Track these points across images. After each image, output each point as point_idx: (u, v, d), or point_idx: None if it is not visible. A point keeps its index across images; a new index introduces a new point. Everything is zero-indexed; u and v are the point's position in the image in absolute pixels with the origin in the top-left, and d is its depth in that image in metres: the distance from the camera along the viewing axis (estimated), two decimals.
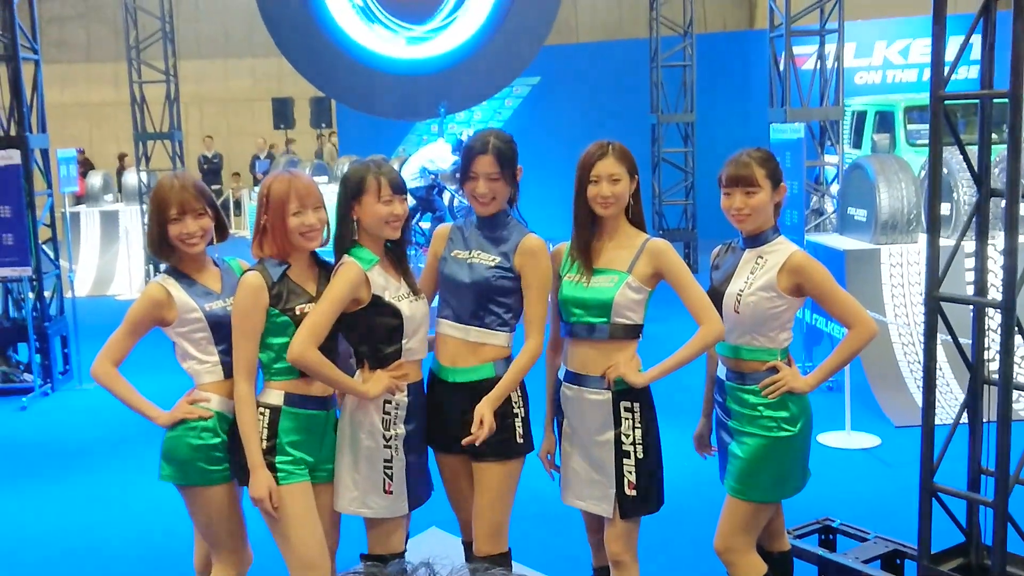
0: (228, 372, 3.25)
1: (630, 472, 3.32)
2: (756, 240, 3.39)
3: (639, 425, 3.32)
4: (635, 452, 3.32)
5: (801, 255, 3.33)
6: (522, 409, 3.36)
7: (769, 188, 3.34)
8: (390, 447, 3.26)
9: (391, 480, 3.27)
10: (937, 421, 3.81)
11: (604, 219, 3.32)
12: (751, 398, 3.35)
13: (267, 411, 3.18)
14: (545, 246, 3.39)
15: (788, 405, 3.32)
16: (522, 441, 3.34)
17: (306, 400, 3.21)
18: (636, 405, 3.32)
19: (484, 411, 3.23)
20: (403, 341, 3.27)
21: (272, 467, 3.15)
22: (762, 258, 3.35)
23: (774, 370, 3.33)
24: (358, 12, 11.29)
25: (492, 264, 3.33)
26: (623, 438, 3.32)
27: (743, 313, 3.32)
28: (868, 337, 3.31)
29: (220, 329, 3.24)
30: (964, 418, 3.78)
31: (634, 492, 3.33)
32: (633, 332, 3.33)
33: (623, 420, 3.31)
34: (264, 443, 3.15)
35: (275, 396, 3.19)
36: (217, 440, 3.24)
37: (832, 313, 3.35)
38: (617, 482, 3.33)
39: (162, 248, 3.29)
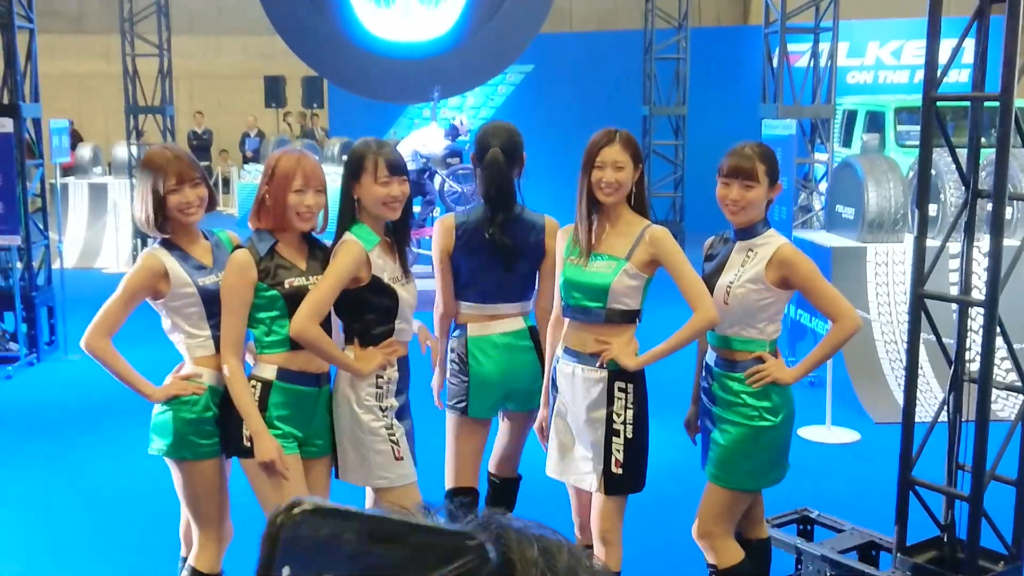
0: (219, 347, 3.27)
1: (618, 451, 3.39)
2: (747, 233, 3.44)
3: (631, 406, 3.40)
4: (624, 432, 3.40)
5: (788, 248, 3.39)
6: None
7: (766, 184, 3.39)
8: (388, 417, 3.32)
9: (398, 446, 3.35)
10: (916, 419, 3.89)
11: (606, 205, 3.39)
12: (735, 385, 3.41)
13: (259, 384, 3.22)
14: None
15: (771, 395, 3.38)
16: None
17: (298, 376, 3.25)
18: (630, 386, 3.40)
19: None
20: (395, 322, 3.32)
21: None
22: (752, 251, 3.41)
23: (760, 360, 3.40)
24: None
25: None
26: (615, 417, 3.40)
27: (732, 304, 3.38)
28: (852, 330, 3.37)
29: (213, 304, 3.25)
30: (943, 416, 3.86)
31: (620, 470, 3.40)
32: (629, 317, 3.41)
33: (616, 400, 3.40)
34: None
35: (268, 370, 3.23)
36: (209, 414, 3.26)
37: (817, 306, 3.42)
38: (605, 459, 3.41)
39: (158, 219, 3.27)
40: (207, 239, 3.41)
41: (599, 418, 3.42)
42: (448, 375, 3.87)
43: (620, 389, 3.39)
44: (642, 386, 3.46)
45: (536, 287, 3.84)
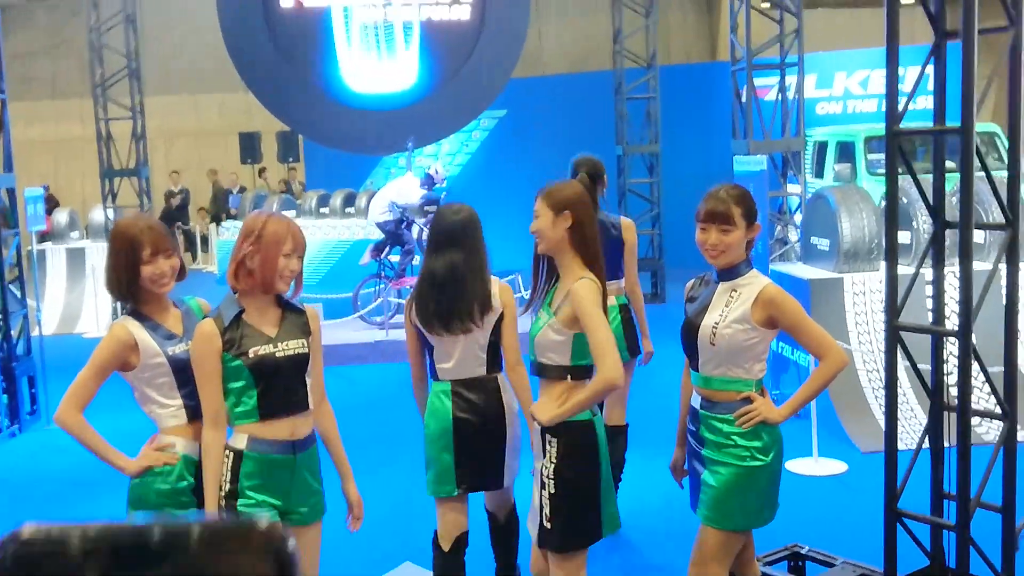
0: (191, 415, 3.26)
1: (545, 504, 3.41)
2: (729, 274, 3.46)
3: (554, 460, 3.38)
4: (548, 486, 3.39)
5: (773, 288, 3.42)
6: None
7: (744, 226, 3.41)
8: None
9: None
10: (902, 446, 3.91)
11: (552, 257, 3.47)
12: (724, 427, 3.41)
13: (231, 454, 3.19)
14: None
15: (761, 435, 3.39)
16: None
17: (268, 444, 3.22)
18: (555, 440, 3.38)
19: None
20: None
21: (234, 511, 3.15)
22: (736, 291, 3.43)
23: (748, 400, 3.41)
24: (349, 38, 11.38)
25: None
26: (542, 470, 3.42)
27: (719, 345, 3.39)
28: (839, 367, 3.39)
29: (183, 373, 3.24)
30: (927, 443, 3.87)
31: (548, 525, 3.40)
32: (557, 372, 3.40)
33: (546, 452, 3.41)
34: (227, 486, 3.17)
35: (239, 440, 3.21)
36: (184, 484, 3.24)
37: (803, 344, 3.43)
38: (540, 511, 3.43)
39: (130, 289, 3.26)
40: (177, 307, 3.40)
41: (537, 469, 3.47)
42: None
43: (548, 442, 3.40)
44: (571, 440, 3.38)
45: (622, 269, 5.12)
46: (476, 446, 3.85)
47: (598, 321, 3.27)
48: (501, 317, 3.88)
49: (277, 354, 3.20)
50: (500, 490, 4.04)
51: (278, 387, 3.20)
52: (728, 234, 3.38)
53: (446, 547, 3.95)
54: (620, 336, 5.00)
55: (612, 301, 4.91)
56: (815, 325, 3.45)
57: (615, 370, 3.21)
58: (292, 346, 3.24)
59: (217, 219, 18.54)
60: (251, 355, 3.16)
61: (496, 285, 3.92)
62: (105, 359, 3.22)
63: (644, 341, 5.25)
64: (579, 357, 3.38)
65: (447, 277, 3.82)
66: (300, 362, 3.25)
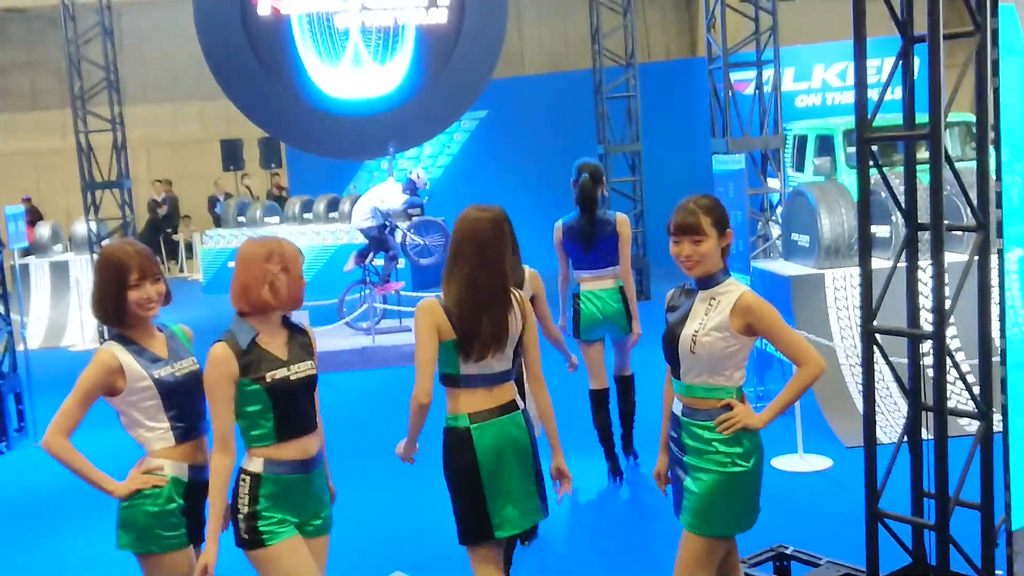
0: (179, 438, 3.31)
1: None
2: (708, 282, 3.50)
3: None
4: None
5: (751, 296, 3.45)
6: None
7: (716, 235, 3.45)
8: None
9: None
10: (886, 440, 3.95)
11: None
12: (706, 433, 3.45)
13: (248, 478, 3.24)
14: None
15: (742, 441, 3.42)
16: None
17: (284, 465, 3.26)
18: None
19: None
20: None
21: (256, 531, 3.21)
22: (715, 299, 3.47)
23: (728, 407, 3.44)
24: (316, 46, 11.39)
25: None
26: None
27: (699, 354, 3.43)
28: (817, 373, 3.44)
29: (170, 396, 3.29)
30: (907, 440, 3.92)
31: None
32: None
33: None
34: (247, 508, 3.22)
35: (255, 463, 3.25)
36: (173, 506, 3.28)
37: (781, 351, 3.47)
38: None
39: (117, 314, 3.30)
40: (161, 331, 3.44)
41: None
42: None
43: None
44: (447, 444, 3.63)
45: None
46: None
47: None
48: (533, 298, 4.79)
49: (291, 377, 3.25)
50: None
51: (293, 409, 3.26)
52: (700, 244, 3.42)
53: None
54: (622, 313, 6.04)
55: (612, 284, 6.01)
56: (792, 332, 3.48)
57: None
58: (303, 368, 3.30)
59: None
60: (268, 379, 3.21)
61: (528, 273, 4.94)
62: (91, 384, 3.26)
63: (634, 323, 6.05)
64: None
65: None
66: (311, 384, 3.34)
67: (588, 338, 6.08)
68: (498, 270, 3.56)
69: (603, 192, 6.08)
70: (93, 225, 12.24)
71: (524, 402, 3.74)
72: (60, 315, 12.68)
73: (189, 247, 19.05)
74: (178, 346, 3.41)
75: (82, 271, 12.58)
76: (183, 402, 3.34)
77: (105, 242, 2.99)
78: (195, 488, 3.36)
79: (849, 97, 14.30)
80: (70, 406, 3.26)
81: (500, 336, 3.52)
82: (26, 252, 12.77)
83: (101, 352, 3.30)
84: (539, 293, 4.98)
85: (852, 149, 11.53)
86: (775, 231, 9.48)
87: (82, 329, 12.32)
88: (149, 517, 3.25)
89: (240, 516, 3.22)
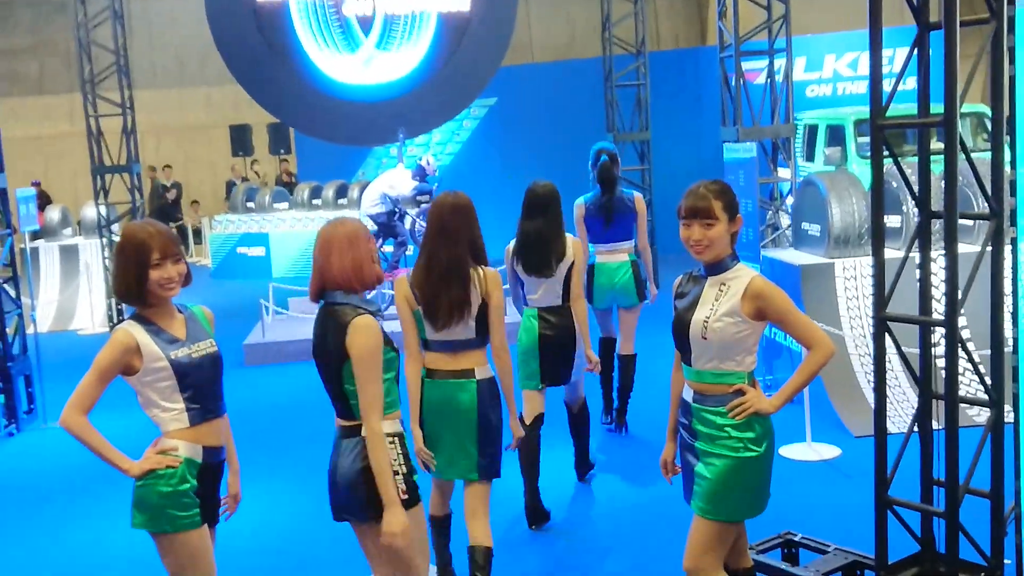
0: (193, 419, 3.34)
1: None
2: (716, 268, 3.50)
3: None
4: None
5: (761, 281, 3.46)
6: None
7: (726, 220, 3.45)
8: None
9: None
10: (894, 429, 3.96)
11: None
12: (717, 419, 3.46)
13: (396, 439, 3.38)
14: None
15: (754, 426, 3.43)
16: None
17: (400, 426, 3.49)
18: None
19: None
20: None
21: (414, 489, 3.39)
22: (725, 285, 3.47)
23: (740, 392, 3.45)
24: (319, 34, 11.38)
25: None
26: None
27: (711, 339, 3.43)
28: (827, 356, 3.45)
29: (185, 377, 3.31)
30: (917, 429, 3.92)
31: None
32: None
33: None
34: (404, 467, 3.37)
35: (395, 425, 3.42)
36: (186, 486, 3.31)
37: (792, 335, 3.48)
38: None
39: (138, 293, 3.31)
40: (181, 313, 3.45)
41: None
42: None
43: None
44: None
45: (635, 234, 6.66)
46: (554, 354, 5.33)
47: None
48: (572, 265, 5.28)
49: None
50: (570, 384, 5.55)
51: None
52: (711, 228, 3.43)
53: (528, 422, 5.34)
54: (631, 284, 6.61)
55: (624, 257, 6.62)
56: (803, 316, 3.49)
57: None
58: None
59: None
60: (394, 349, 3.40)
61: (569, 240, 5.31)
62: (106, 363, 3.28)
63: (651, 285, 6.83)
64: None
65: (536, 237, 5.28)
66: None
67: (600, 306, 6.74)
68: (456, 249, 4.09)
69: (618, 171, 6.64)
70: (103, 209, 12.27)
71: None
72: (69, 299, 12.72)
73: (197, 232, 19.09)
74: (197, 328, 3.43)
75: (91, 255, 12.62)
76: (199, 384, 3.35)
77: (125, 222, 2.98)
78: (209, 469, 3.39)
79: (859, 87, 14.27)
80: (87, 384, 3.28)
81: (460, 308, 4.06)
82: (35, 236, 12.81)
83: (119, 331, 3.32)
84: (577, 260, 5.37)
85: (863, 139, 11.51)
86: (784, 220, 9.47)
87: (91, 313, 12.36)
88: (162, 497, 3.27)
89: (399, 477, 3.33)
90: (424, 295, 4.09)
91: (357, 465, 3.30)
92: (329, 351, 3.32)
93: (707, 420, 3.48)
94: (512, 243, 5.48)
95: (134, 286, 3.29)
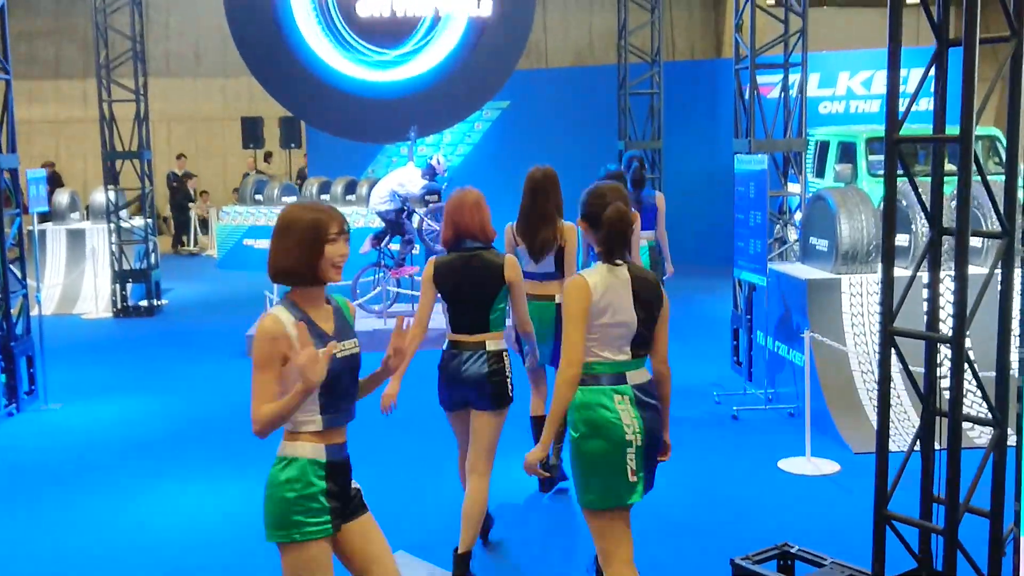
0: (327, 423, 3.06)
1: None
2: None
3: None
4: None
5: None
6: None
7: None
8: None
9: None
10: (894, 448, 3.94)
11: None
12: None
13: (505, 353, 4.72)
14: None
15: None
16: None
17: None
18: None
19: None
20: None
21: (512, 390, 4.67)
22: None
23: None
24: (329, 37, 11.40)
25: None
26: None
27: None
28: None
29: (329, 380, 2.96)
30: (918, 446, 3.91)
31: None
32: None
33: None
34: (510, 374, 4.64)
35: (502, 343, 4.71)
36: (313, 489, 3.02)
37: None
38: None
39: (310, 271, 3.02)
40: (329, 303, 3.18)
41: None
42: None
43: None
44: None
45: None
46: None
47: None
48: (563, 250, 5.65)
49: None
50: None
51: None
52: None
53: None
54: (650, 263, 7.84)
55: (645, 243, 7.93)
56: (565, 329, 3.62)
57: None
58: None
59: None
60: None
61: (564, 227, 5.64)
62: (263, 357, 2.98)
63: (667, 264, 8.39)
64: None
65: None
66: None
67: None
68: (548, 205, 5.60)
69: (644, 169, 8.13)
70: (112, 194, 12.29)
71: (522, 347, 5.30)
72: (74, 282, 12.74)
73: (204, 223, 19.10)
74: (343, 324, 3.15)
75: (98, 239, 12.63)
76: (339, 388, 3.08)
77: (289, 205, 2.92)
78: (336, 467, 3.10)
79: (872, 106, 14.26)
80: (257, 385, 2.97)
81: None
82: (43, 219, 12.83)
83: (266, 317, 3.02)
84: (569, 244, 5.71)
85: (874, 157, 11.50)
86: (792, 234, 9.46)
87: (96, 297, 12.37)
88: (287, 503, 2.99)
89: (508, 379, 4.64)
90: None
91: (484, 369, 4.57)
92: (484, 281, 4.57)
93: None
94: (510, 224, 5.92)
95: (306, 263, 3.00)
